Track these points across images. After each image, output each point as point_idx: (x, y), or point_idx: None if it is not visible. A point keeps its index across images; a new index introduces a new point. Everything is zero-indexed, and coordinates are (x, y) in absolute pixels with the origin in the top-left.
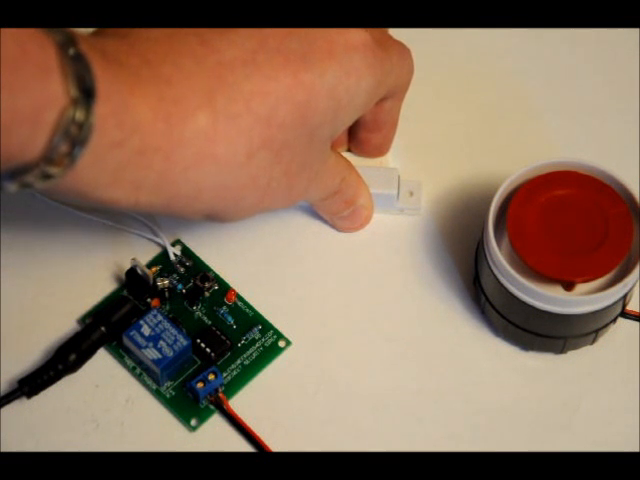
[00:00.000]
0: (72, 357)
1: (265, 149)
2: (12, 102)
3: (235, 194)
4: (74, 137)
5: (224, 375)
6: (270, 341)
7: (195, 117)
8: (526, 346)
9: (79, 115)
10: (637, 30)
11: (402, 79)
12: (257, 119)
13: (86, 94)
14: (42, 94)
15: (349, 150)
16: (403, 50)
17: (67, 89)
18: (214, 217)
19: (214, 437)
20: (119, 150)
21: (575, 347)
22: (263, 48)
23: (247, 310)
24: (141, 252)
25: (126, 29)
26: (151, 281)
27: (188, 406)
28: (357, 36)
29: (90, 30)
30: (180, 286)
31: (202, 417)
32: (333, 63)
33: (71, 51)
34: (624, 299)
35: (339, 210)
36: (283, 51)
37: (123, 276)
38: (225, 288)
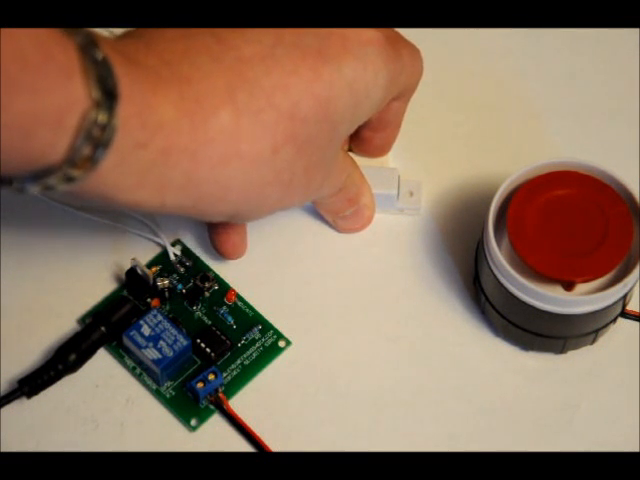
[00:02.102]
0: (72, 357)
1: (289, 144)
2: (35, 105)
3: (260, 191)
4: (97, 139)
5: (224, 375)
6: (270, 341)
7: (218, 115)
8: (526, 346)
9: (102, 117)
10: (637, 30)
11: (412, 79)
12: (280, 114)
13: (108, 96)
14: (65, 97)
15: (350, 150)
16: (414, 51)
17: (89, 91)
18: (236, 217)
19: (214, 437)
20: (143, 151)
21: (575, 347)
22: (280, 43)
23: (247, 310)
24: (141, 252)
25: (139, 30)
26: (151, 281)
27: (188, 406)
28: (370, 33)
29: (99, 30)
30: (180, 286)
31: (202, 417)
32: (349, 57)
33: (93, 53)
34: (624, 299)
35: (342, 209)
36: (300, 46)
37: (123, 276)
38: (225, 288)
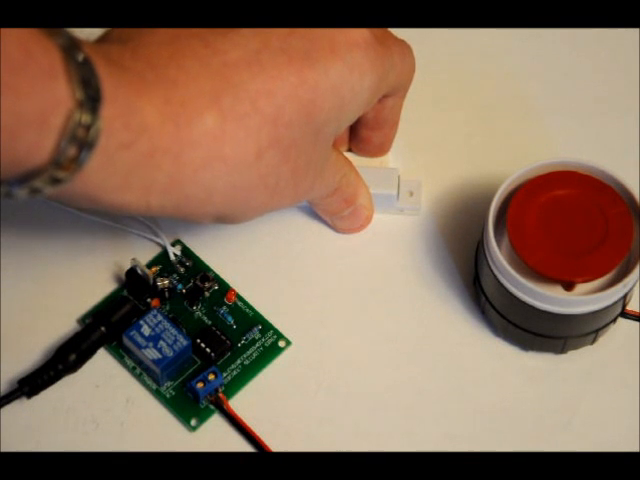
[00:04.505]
0: (72, 357)
1: (273, 148)
2: (18, 106)
3: (245, 195)
4: (81, 140)
5: (224, 375)
6: (270, 341)
7: (203, 118)
8: (526, 346)
9: (85, 118)
10: (637, 30)
11: (404, 76)
12: (264, 119)
13: (92, 97)
14: (48, 98)
15: (350, 150)
16: (404, 47)
17: (73, 92)
18: (223, 219)
19: (214, 437)
20: (128, 152)
21: (575, 347)
22: (267, 48)
23: (247, 310)
24: (141, 252)
25: (126, 34)
26: (151, 281)
27: (188, 406)
28: (358, 34)
29: (89, 30)
30: (180, 286)
31: (202, 417)
32: (336, 60)
33: (76, 54)
34: (624, 299)
35: (339, 209)
36: (286, 50)
37: (123, 276)
38: (225, 288)
